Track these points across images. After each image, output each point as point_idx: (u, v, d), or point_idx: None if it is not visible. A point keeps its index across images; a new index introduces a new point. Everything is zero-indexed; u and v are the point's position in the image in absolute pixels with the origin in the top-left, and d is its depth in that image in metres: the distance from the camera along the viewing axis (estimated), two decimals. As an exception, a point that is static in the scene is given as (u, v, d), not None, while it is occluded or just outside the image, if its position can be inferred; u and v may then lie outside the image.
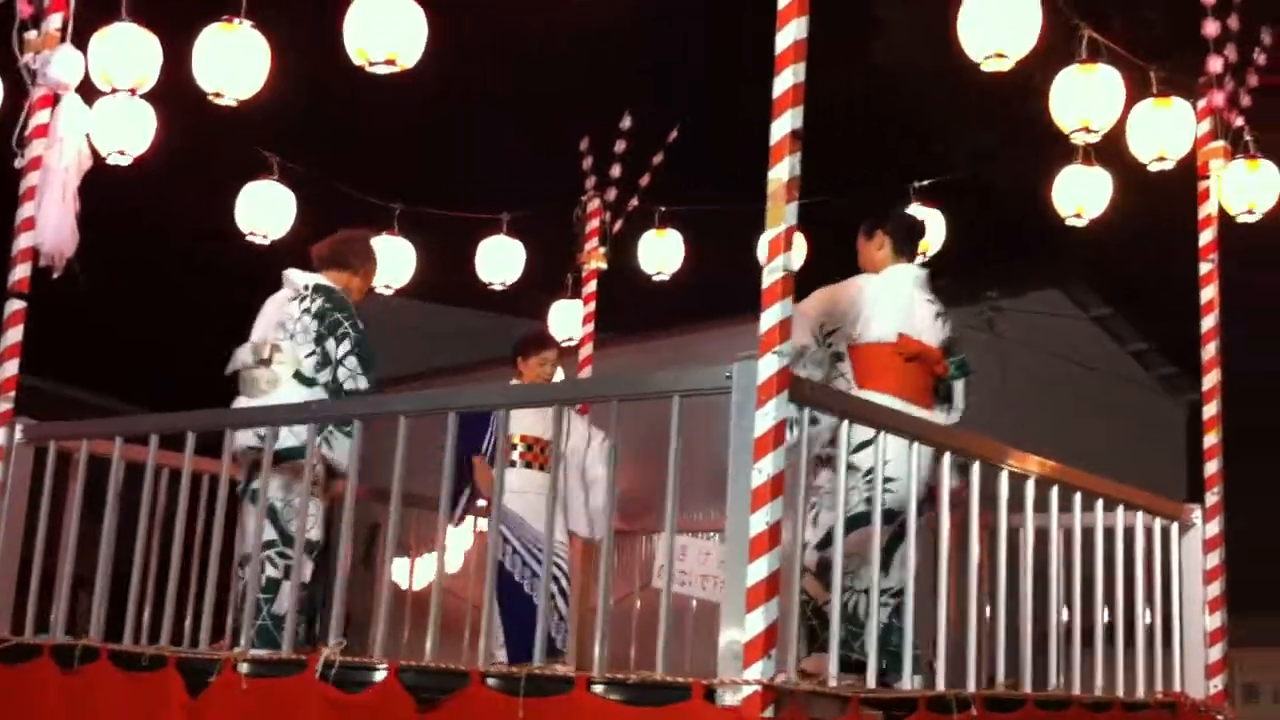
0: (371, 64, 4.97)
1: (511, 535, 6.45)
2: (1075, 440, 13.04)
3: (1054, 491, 4.82)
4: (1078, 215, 6.38)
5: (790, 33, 3.81)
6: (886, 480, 4.21)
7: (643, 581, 7.64)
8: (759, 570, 3.49)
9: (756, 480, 3.55)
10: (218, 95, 5.46)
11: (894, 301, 5.10)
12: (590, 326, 7.99)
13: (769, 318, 3.67)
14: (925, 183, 7.24)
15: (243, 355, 5.30)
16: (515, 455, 6.65)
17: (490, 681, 3.93)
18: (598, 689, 3.70)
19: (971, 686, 4.29)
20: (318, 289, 5.34)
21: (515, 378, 6.92)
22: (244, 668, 4.47)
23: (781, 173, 3.77)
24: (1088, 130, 5.47)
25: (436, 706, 4.00)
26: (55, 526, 5.36)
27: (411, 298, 7.92)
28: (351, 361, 5.09)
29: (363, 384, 5.07)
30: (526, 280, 8.24)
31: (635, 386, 4.13)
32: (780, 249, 3.73)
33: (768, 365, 3.63)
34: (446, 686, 4.01)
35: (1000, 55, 4.92)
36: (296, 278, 5.43)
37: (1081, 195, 6.34)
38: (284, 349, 5.21)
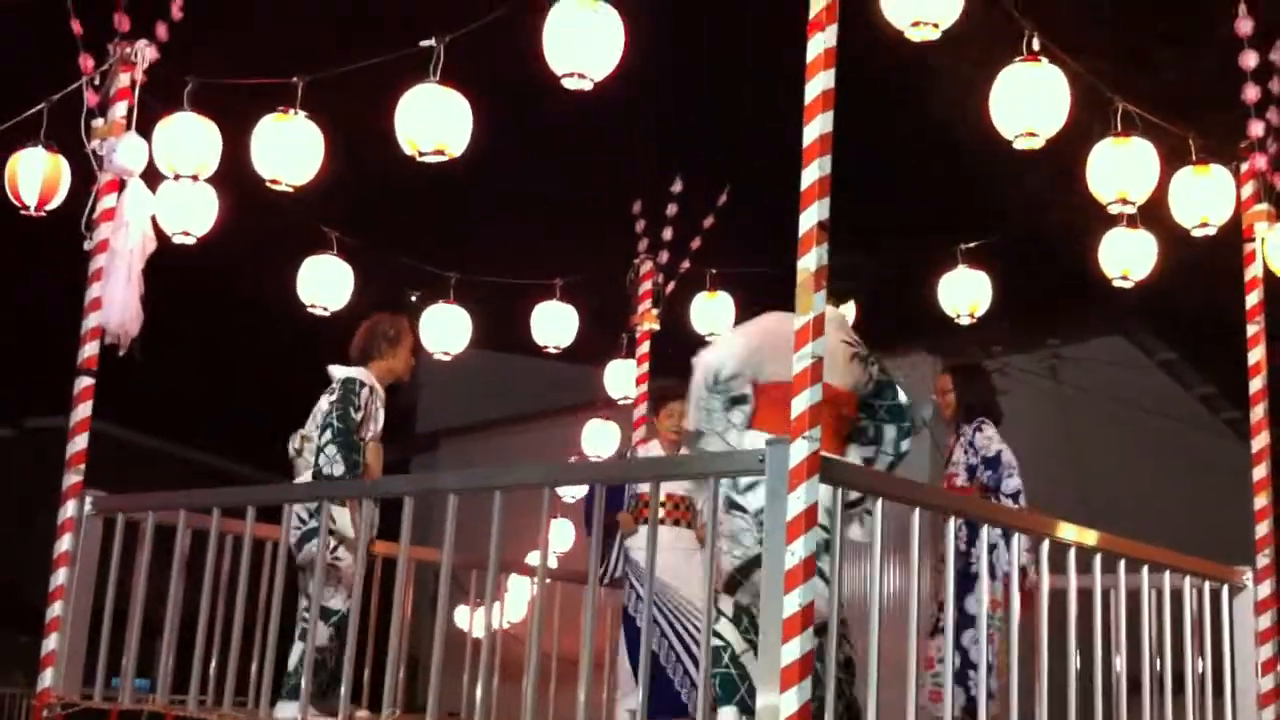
0: (421, 154, 5.17)
1: (642, 589, 6.56)
2: (1144, 486, 12.99)
3: (1096, 558, 4.84)
4: (1124, 277, 6.41)
5: (816, 127, 3.91)
6: None
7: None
8: (792, 650, 3.58)
9: (790, 562, 3.64)
10: (275, 182, 5.68)
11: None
12: (644, 387, 8.11)
13: (799, 403, 3.77)
14: (971, 245, 7.28)
15: (291, 444, 5.73)
16: (661, 513, 6.62)
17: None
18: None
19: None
20: (343, 383, 5.69)
21: (654, 434, 7.08)
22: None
23: (810, 263, 3.88)
24: (1124, 201, 5.52)
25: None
26: (123, 592, 5.58)
27: (470, 348, 8.10)
28: (330, 450, 5.47)
29: (338, 470, 5.43)
30: (581, 341, 8.39)
31: (674, 468, 4.25)
32: (809, 337, 3.83)
33: (798, 450, 3.73)
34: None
35: (1031, 134, 4.99)
36: (333, 373, 5.79)
37: (1127, 258, 6.37)
38: (311, 440, 5.65)
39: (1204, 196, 5.89)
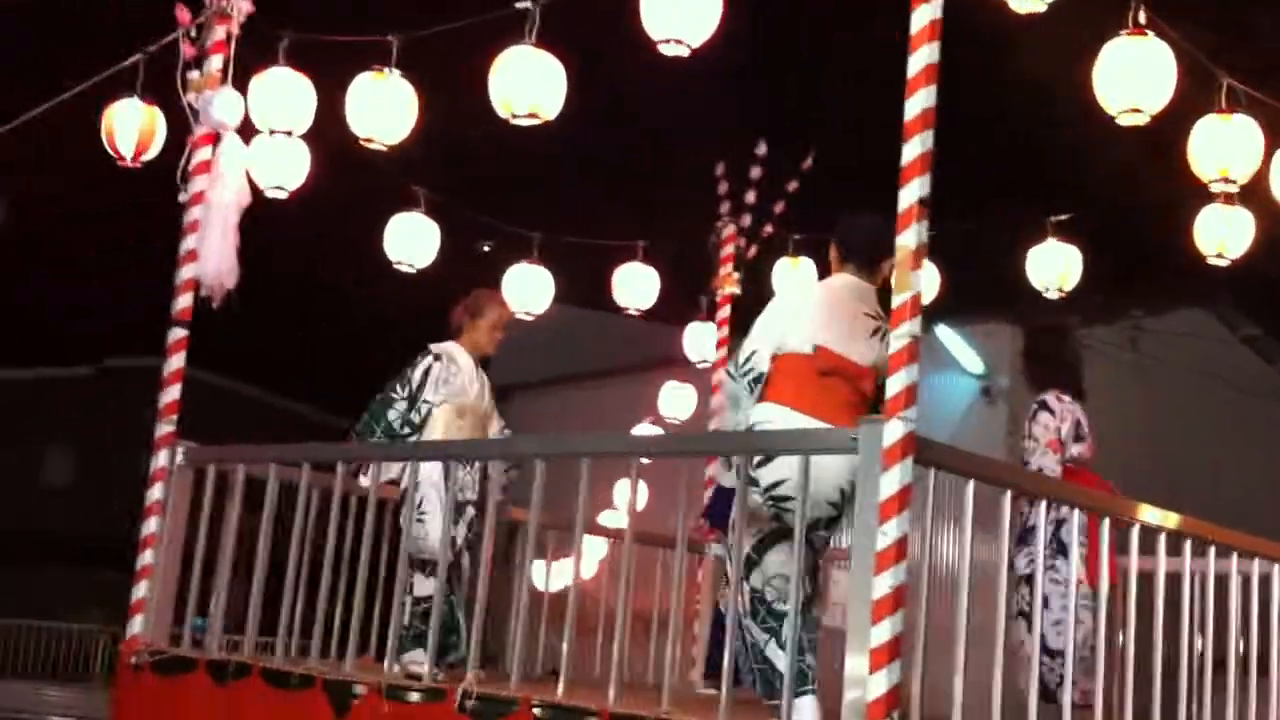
0: (515, 116, 5.16)
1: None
2: (1223, 461, 12.83)
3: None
4: (1219, 255, 6.30)
5: (919, 102, 3.86)
6: (785, 500, 4.28)
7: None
8: (882, 632, 3.59)
9: (882, 543, 3.64)
10: (369, 140, 5.71)
11: (816, 313, 4.69)
12: (724, 351, 8.10)
13: (895, 382, 3.75)
14: (1062, 217, 7.18)
15: None
16: None
17: (618, 721, 4.08)
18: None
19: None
20: (426, 354, 5.85)
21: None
22: (387, 692, 4.71)
23: (909, 240, 3.85)
24: (1227, 180, 5.41)
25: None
26: (213, 544, 5.68)
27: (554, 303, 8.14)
28: (365, 416, 5.76)
29: (360, 427, 5.76)
30: (661, 302, 8.39)
31: (766, 443, 4.25)
32: (907, 315, 3.80)
33: (893, 429, 3.71)
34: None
35: (1136, 110, 4.90)
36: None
37: (1224, 236, 6.25)
38: None
39: (1310, 175, 5.76)
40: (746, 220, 8.06)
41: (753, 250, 8.14)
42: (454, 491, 5.08)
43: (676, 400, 9.49)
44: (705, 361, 8.41)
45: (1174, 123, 5.70)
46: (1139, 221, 8.40)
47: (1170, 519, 4.72)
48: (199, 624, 5.75)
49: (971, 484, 4.05)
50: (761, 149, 7.98)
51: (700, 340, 8.54)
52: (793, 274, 8.24)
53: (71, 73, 6.54)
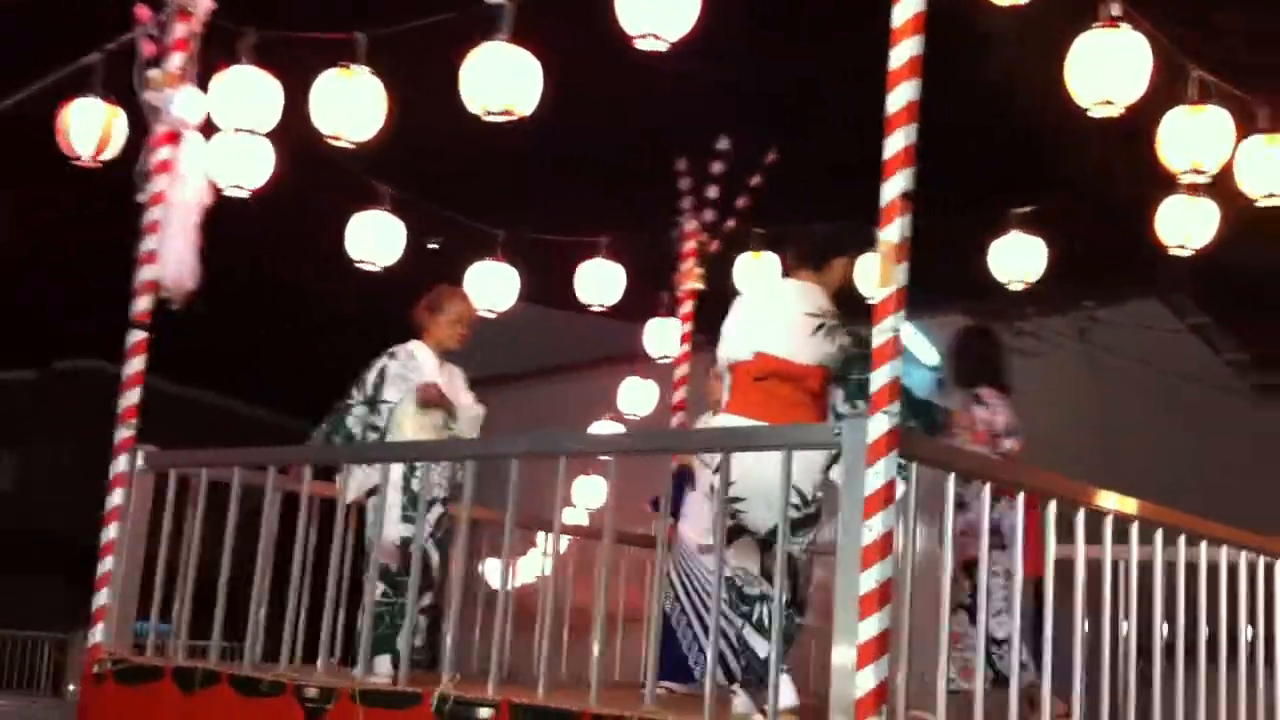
0: (489, 113, 5.09)
1: (685, 558, 6.59)
2: (1170, 451, 12.96)
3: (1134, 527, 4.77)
4: (1181, 246, 6.35)
5: (902, 95, 3.85)
6: (736, 501, 4.35)
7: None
8: (869, 628, 3.57)
9: (867, 538, 3.62)
10: (335, 138, 5.63)
11: (754, 319, 4.76)
12: (687, 346, 8.08)
13: (879, 378, 3.74)
14: (1026, 209, 7.21)
15: None
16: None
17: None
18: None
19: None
20: (380, 356, 5.81)
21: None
22: (360, 697, 4.64)
23: (892, 235, 3.83)
24: (1198, 172, 5.45)
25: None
26: (175, 550, 5.58)
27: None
28: (322, 426, 5.73)
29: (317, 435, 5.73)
30: (626, 300, 8.35)
31: (748, 439, 4.22)
32: (890, 309, 3.79)
33: (877, 425, 3.70)
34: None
35: (1109, 102, 4.92)
36: None
37: (1188, 226, 6.30)
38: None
39: (1274, 167, 5.80)
40: (709, 215, 8.05)
41: (715, 245, 8.12)
42: (423, 491, 5.02)
43: (637, 395, 9.46)
44: (667, 357, 8.38)
45: (1139, 115, 5.73)
46: (1099, 213, 8.45)
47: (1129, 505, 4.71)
48: (140, 629, 5.66)
49: (952, 478, 4.04)
50: (723, 144, 7.96)
51: (661, 336, 8.51)
52: (755, 267, 8.23)
53: (27, 71, 6.41)
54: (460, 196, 7.67)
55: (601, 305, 8.26)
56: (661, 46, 4.74)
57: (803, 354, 4.64)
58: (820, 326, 4.67)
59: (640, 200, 8.33)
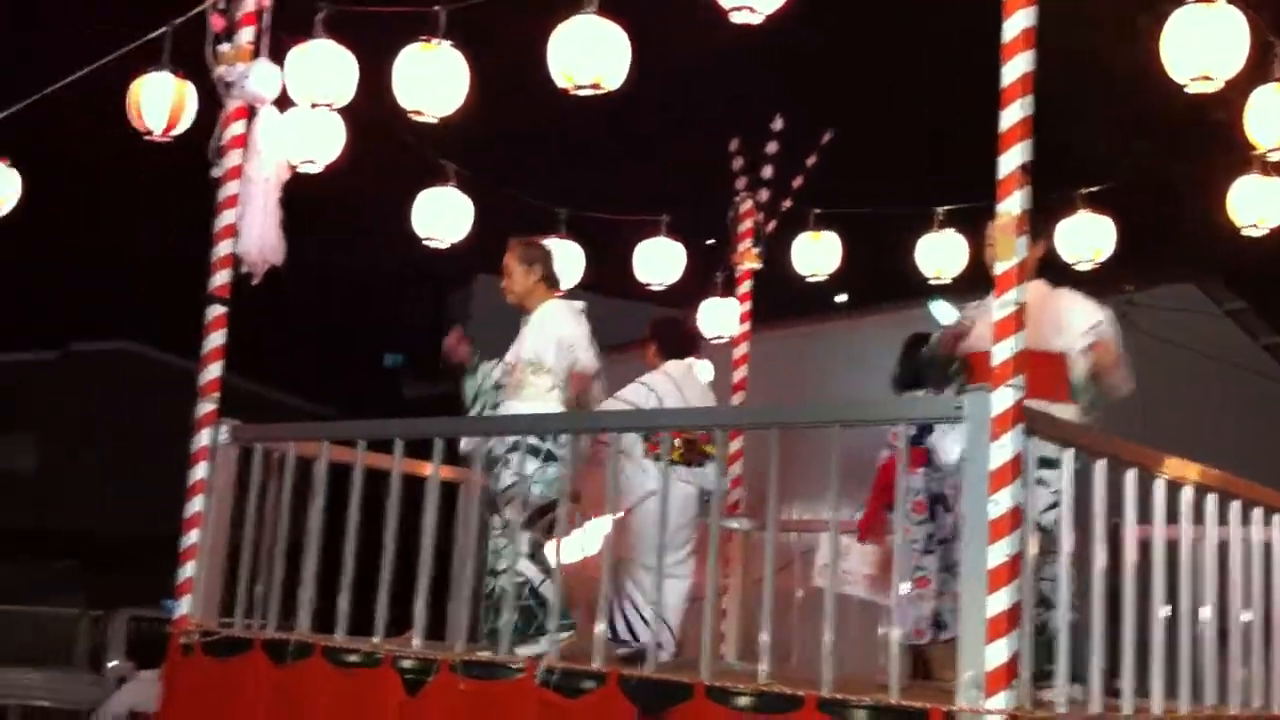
0: (577, 87, 5.05)
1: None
2: (1206, 435, 12.94)
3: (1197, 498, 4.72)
4: (1255, 226, 6.33)
5: (1017, 66, 3.86)
6: None
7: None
8: (999, 602, 3.57)
9: (994, 512, 3.62)
10: (418, 113, 5.59)
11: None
12: (746, 325, 8.06)
13: (1001, 351, 3.74)
14: (1093, 189, 7.18)
15: None
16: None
17: (713, 695, 4.04)
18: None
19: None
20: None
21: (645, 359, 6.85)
22: (461, 668, 4.63)
23: (1012, 206, 3.83)
24: (1287, 150, 5.42)
25: (659, 716, 4.12)
26: (262, 524, 5.58)
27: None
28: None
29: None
30: (684, 280, 8.34)
31: (860, 413, 4.21)
32: (1012, 282, 3.79)
33: (1001, 398, 3.70)
34: (670, 697, 4.13)
35: (1207, 78, 4.89)
36: None
37: (1263, 207, 6.27)
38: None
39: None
40: (764, 195, 8.02)
41: (772, 225, 8.09)
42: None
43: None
44: (722, 337, 8.35)
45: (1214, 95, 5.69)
46: (1162, 194, 8.43)
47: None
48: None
49: (1071, 452, 4.04)
50: (779, 124, 7.92)
51: (716, 315, 8.49)
52: (815, 248, 8.21)
53: (96, 47, 6.39)
54: (526, 176, 7.64)
55: (661, 284, 8.23)
56: (756, 19, 4.70)
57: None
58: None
59: (700, 180, 8.31)
